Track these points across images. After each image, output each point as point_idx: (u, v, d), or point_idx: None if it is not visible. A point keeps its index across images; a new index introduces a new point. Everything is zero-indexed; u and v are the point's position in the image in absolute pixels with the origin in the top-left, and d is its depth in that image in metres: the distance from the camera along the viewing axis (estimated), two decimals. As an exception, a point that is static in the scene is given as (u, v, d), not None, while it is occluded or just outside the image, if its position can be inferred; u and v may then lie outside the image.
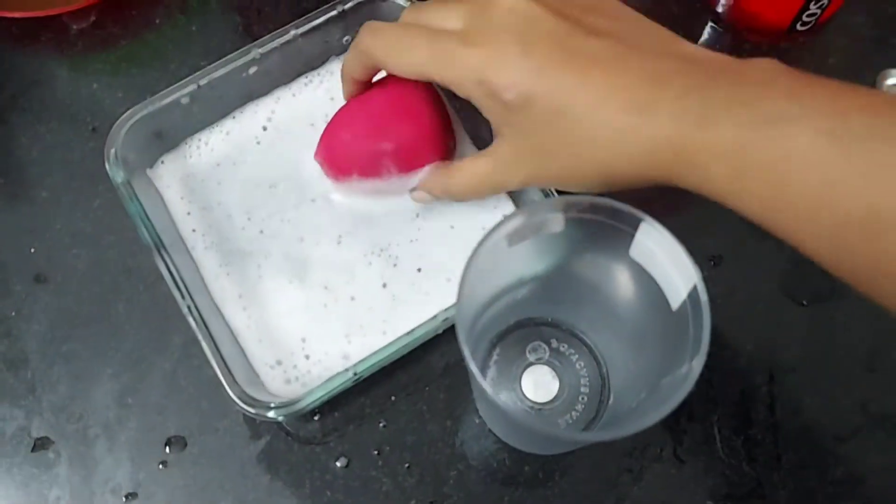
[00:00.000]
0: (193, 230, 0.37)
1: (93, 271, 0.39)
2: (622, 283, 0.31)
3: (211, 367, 0.32)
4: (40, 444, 0.36)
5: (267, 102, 0.40)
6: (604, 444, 0.36)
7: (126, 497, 0.35)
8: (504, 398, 0.35)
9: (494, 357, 0.36)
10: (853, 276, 0.26)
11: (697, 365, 0.25)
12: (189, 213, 0.38)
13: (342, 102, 0.37)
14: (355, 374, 0.33)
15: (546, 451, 0.36)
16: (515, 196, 0.38)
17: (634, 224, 0.28)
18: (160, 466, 0.35)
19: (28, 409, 0.36)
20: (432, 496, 0.35)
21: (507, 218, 0.27)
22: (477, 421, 0.36)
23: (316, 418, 0.36)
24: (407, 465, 0.35)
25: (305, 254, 0.37)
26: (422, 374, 0.37)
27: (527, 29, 0.29)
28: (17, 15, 0.41)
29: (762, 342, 0.37)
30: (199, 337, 0.32)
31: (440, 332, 0.34)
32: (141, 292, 0.38)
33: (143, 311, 0.38)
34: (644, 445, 0.36)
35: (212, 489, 0.35)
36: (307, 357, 0.35)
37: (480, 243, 0.27)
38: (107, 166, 0.36)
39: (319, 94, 0.40)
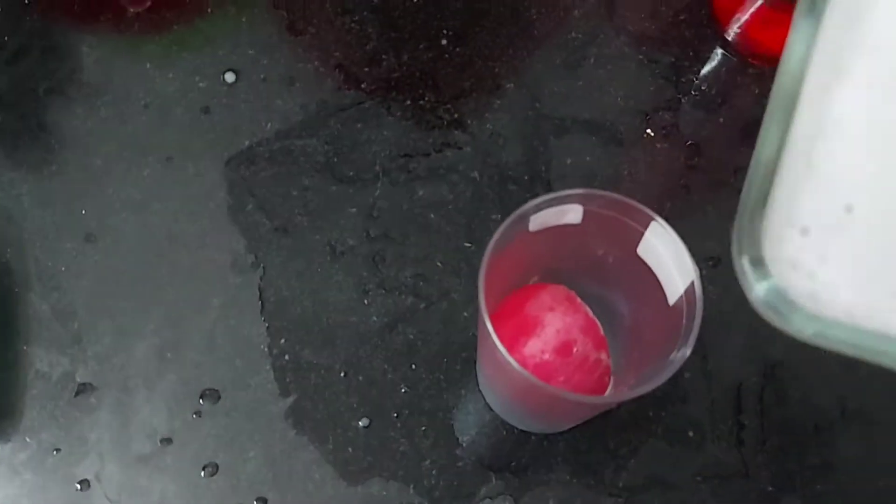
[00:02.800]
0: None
1: (139, 235, 0.42)
2: (627, 277, 0.34)
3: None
4: (83, 390, 0.39)
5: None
6: (604, 421, 0.39)
7: (161, 441, 0.38)
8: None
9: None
10: None
11: (683, 354, 0.28)
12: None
13: None
14: None
15: (544, 426, 0.39)
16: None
17: (645, 223, 0.31)
18: (194, 416, 0.38)
19: (73, 357, 0.39)
20: (445, 458, 0.38)
21: (530, 203, 0.30)
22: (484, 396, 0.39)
23: (341, 372, 0.39)
24: (423, 428, 0.38)
25: None
26: (441, 348, 0.40)
27: None
28: (81, -5, 0.44)
29: (754, 338, 0.41)
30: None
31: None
32: (183, 256, 0.41)
33: (185, 273, 0.41)
34: (642, 423, 0.39)
35: (241, 439, 0.38)
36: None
37: (501, 227, 0.30)
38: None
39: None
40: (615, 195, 0.31)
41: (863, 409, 0.40)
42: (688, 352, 0.28)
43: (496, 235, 0.29)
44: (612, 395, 0.32)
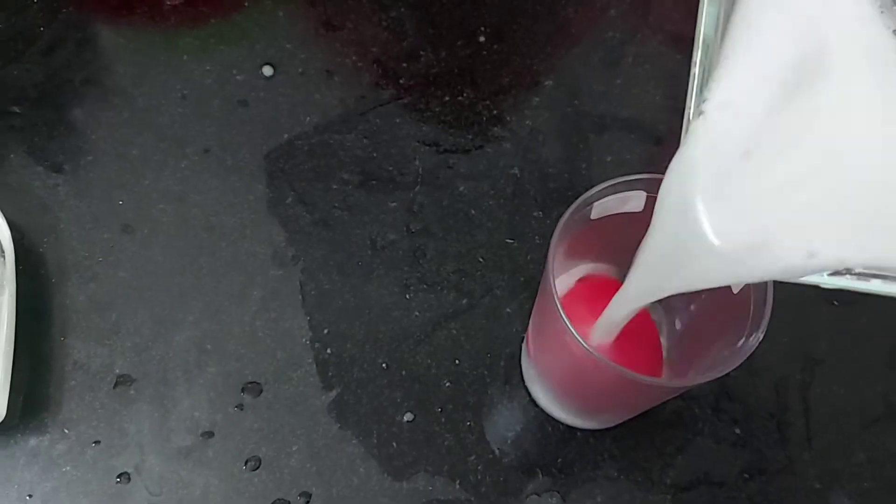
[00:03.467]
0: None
1: (177, 226, 0.41)
2: None
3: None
4: (122, 381, 0.38)
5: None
6: (650, 419, 0.38)
7: (202, 435, 0.37)
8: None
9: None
10: None
11: (757, 338, 0.28)
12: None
13: None
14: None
15: (595, 419, 0.38)
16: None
17: None
18: (236, 409, 0.38)
19: (111, 348, 0.38)
20: (491, 453, 0.37)
21: (594, 189, 0.30)
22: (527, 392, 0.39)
23: (384, 366, 0.38)
24: (468, 423, 0.38)
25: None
26: (485, 344, 0.39)
27: None
28: (119, -14, 0.44)
29: (797, 336, 0.41)
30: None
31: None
32: (223, 248, 0.41)
33: (225, 265, 0.40)
34: (688, 421, 0.38)
35: (284, 433, 0.37)
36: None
37: (568, 211, 0.29)
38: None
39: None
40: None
41: (905, 408, 0.40)
42: (761, 336, 0.28)
43: (564, 218, 0.29)
44: (678, 378, 0.32)
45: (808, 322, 0.41)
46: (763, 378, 0.40)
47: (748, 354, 0.28)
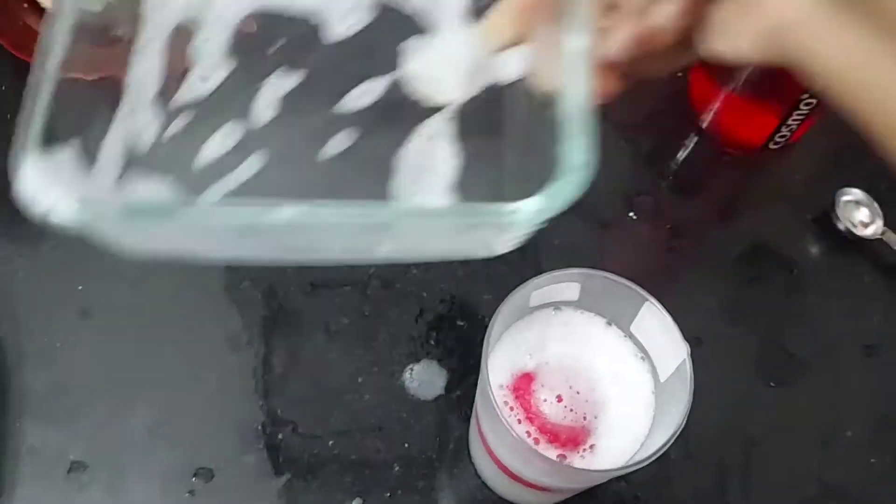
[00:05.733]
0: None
1: (135, 310, 0.42)
2: (621, 355, 0.35)
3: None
4: (75, 467, 0.38)
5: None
6: (594, 500, 0.39)
7: (154, 522, 0.38)
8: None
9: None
10: None
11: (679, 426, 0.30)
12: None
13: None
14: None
15: (540, 502, 0.39)
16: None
17: (639, 303, 0.32)
18: (188, 495, 0.38)
19: (67, 433, 0.39)
20: (439, 537, 0.38)
21: (532, 280, 0.32)
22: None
23: (335, 451, 0.39)
24: (417, 507, 0.39)
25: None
26: (435, 424, 0.40)
27: None
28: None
29: (736, 417, 0.42)
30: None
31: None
32: (179, 333, 0.42)
33: (181, 349, 0.41)
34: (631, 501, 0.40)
35: (235, 519, 0.38)
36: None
37: (506, 300, 0.31)
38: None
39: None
40: (611, 275, 0.32)
41: (838, 484, 0.41)
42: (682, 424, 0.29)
43: (500, 309, 0.30)
44: (601, 469, 0.33)
45: (747, 404, 0.43)
46: (702, 461, 0.41)
47: (670, 443, 0.29)
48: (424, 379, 0.42)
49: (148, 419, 0.40)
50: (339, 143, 0.28)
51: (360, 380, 0.41)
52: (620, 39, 0.25)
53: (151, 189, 0.27)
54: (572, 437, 0.32)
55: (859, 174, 0.50)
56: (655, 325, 0.32)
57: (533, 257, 0.45)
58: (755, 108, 0.48)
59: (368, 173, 0.28)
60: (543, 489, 0.35)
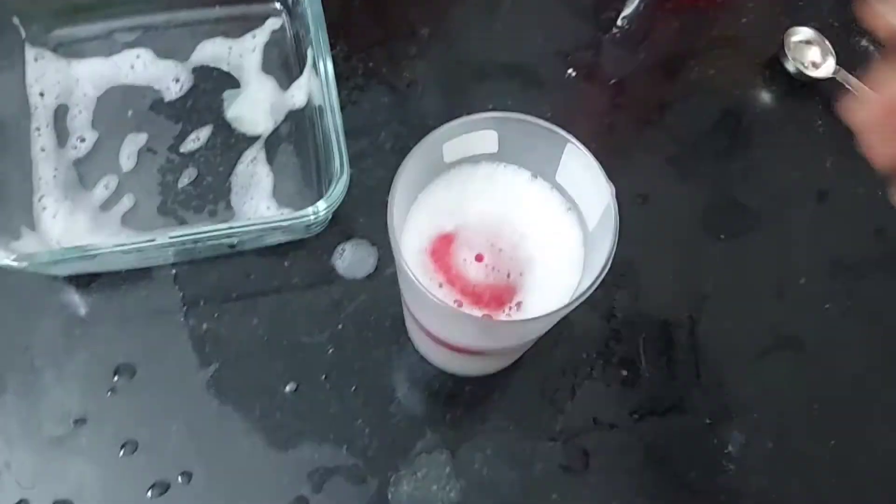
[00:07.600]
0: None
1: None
2: (548, 208, 0.32)
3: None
4: (-12, 374, 0.36)
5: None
6: (538, 366, 0.38)
7: (75, 423, 0.36)
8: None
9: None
10: None
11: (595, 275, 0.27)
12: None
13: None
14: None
15: (477, 369, 0.37)
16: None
17: (561, 146, 0.30)
18: (109, 394, 0.36)
19: (-26, 341, 0.37)
20: (378, 416, 0.37)
21: (439, 128, 0.28)
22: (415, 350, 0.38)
23: (265, 340, 0.37)
24: (354, 388, 0.37)
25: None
26: (369, 303, 0.38)
27: None
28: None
29: (684, 272, 0.40)
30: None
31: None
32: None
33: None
34: (576, 366, 0.38)
35: (161, 414, 0.36)
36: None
37: (411, 153, 0.28)
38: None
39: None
40: (529, 117, 0.29)
41: (793, 334, 0.40)
42: (606, 266, 0.27)
43: (404, 165, 0.28)
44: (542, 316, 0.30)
45: (696, 258, 0.41)
46: (649, 318, 0.39)
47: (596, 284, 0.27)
48: (355, 259, 0.39)
49: (60, 319, 0.37)
50: (189, 174, 0.40)
51: (286, 264, 0.39)
52: None
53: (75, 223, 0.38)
54: (496, 296, 0.30)
55: (809, 13, 0.47)
56: (580, 168, 0.29)
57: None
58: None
59: (214, 192, 0.39)
60: (476, 353, 0.33)
